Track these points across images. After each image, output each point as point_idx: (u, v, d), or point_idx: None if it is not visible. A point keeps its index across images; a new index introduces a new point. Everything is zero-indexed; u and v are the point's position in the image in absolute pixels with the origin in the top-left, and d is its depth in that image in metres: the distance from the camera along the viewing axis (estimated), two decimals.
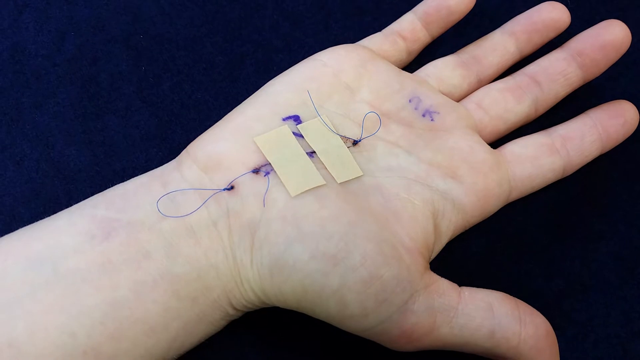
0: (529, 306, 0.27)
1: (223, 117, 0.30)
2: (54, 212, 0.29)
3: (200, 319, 0.26)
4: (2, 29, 0.36)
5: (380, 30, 0.34)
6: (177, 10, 0.37)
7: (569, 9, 0.33)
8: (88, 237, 0.25)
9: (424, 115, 0.30)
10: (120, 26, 0.36)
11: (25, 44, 0.36)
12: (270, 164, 0.27)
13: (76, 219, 0.26)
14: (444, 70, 0.32)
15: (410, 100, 0.30)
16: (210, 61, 0.36)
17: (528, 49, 0.33)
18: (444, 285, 0.27)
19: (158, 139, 0.34)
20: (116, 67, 0.35)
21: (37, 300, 0.24)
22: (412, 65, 0.34)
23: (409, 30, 0.33)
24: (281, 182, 0.27)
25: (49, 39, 0.36)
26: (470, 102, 0.32)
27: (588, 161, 0.31)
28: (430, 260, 0.28)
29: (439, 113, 0.30)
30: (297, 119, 0.29)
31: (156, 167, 0.30)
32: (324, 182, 0.27)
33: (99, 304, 0.24)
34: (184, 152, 0.28)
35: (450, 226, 0.29)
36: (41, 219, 0.28)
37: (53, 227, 0.26)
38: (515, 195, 0.30)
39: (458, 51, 0.34)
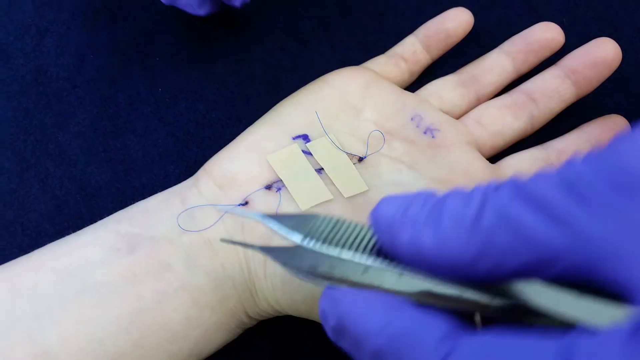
0: None
1: (236, 134, 0.31)
2: (78, 227, 0.31)
3: (218, 327, 0.28)
4: (25, 53, 0.38)
5: (383, 49, 0.36)
6: (190, 33, 0.38)
7: (564, 27, 0.34)
8: (113, 251, 0.27)
9: (425, 133, 0.32)
10: (137, 49, 0.38)
11: (47, 67, 0.38)
12: (281, 180, 0.29)
13: (101, 234, 0.28)
14: (444, 90, 0.34)
15: (412, 119, 0.32)
16: (222, 81, 0.37)
17: (524, 68, 0.34)
18: None
19: (175, 156, 0.35)
20: (134, 88, 0.37)
21: (67, 311, 0.26)
22: (414, 85, 0.36)
23: (410, 52, 0.35)
24: (292, 197, 0.28)
25: (70, 61, 0.38)
26: (469, 119, 0.33)
27: None
28: None
29: (439, 130, 0.32)
30: (306, 138, 0.30)
31: (174, 183, 0.31)
32: (332, 197, 0.28)
33: (125, 313, 0.26)
34: (200, 170, 0.30)
35: None
36: (65, 234, 0.30)
37: (80, 242, 0.28)
38: None
39: (457, 71, 0.35)
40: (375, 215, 0.20)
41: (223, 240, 0.24)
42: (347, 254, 0.21)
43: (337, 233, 0.21)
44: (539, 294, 0.18)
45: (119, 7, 0.39)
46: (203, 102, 0.37)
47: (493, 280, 0.18)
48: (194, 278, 0.27)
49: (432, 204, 0.19)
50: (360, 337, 0.19)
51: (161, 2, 0.35)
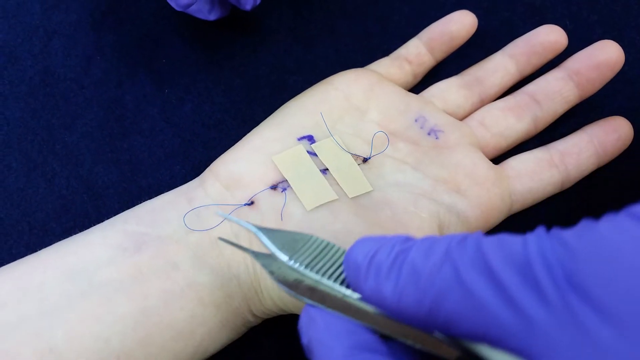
0: None
1: (241, 135, 0.32)
2: (84, 226, 0.31)
3: (223, 325, 0.28)
4: (33, 55, 0.38)
5: (386, 52, 0.36)
6: (196, 35, 0.39)
7: (567, 30, 0.34)
8: (120, 250, 0.27)
9: (429, 134, 0.32)
10: (143, 51, 0.38)
11: (54, 68, 0.38)
12: (287, 180, 0.29)
13: (108, 234, 0.28)
14: (448, 91, 0.34)
15: (416, 120, 0.32)
16: (228, 84, 0.38)
17: (528, 70, 0.34)
18: None
19: (181, 157, 0.36)
20: (140, 89, 0.37)
21: (74, 309, 0.26)
22: (418, 86, 0.36)
23: (414, 54, 0.35)
24: (297, 197, 0.29)
25: (77, 63, 0.38)
26: (473, 120, 0.33)
27: (585, 175, 0.33)
28: None
29: (443, 131, 0.32)
30: (311, 139, 0.31)
31: (180, 183, 0.32)
32: (337, 197, 0.29)
33: (131, 312, 0.26)
34: (207, 170, 0.30)
35: None
36: (72, 233, 0.30)
37: (87, 241, 0.28)
38: (517, 208, 0.32)
39: (461, 73, 0.35)
40: (347, 257, 0.21)
41: (220, 239, 0.24)
42: (327, 282, 0.21)
43: (322, 258, 0.22)
44: (498, 356, 0.18)
45: (125, 9, 0.40)
46: (209, 103, 0.37)
47: (450, 334, 0.18)
48: (200, 277, 0.27)
49: (396, 253, 0.19)
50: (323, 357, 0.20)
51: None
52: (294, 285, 0.22)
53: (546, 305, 0.16)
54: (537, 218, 0.34)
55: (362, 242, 0.21)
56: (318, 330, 0.21)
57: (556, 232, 0.17)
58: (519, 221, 0.33)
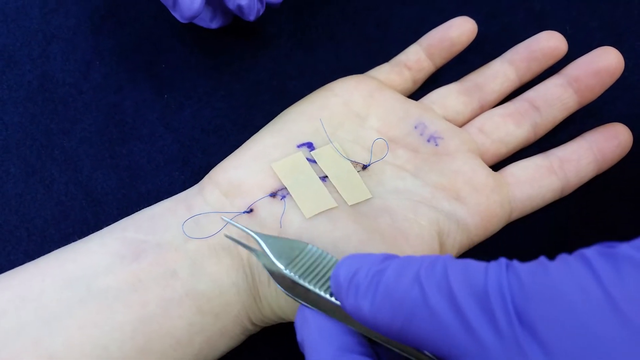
0: None
1: (241, 141, 0.32)
2: (83, 233, 0.31)
3: (222, 333, 0.28)
4: (32, 59, 0.38)
5: (387, 57, 0.36)
6: (196, 40, 0.39)
7: (567, 35, 0.34)
8: (119, 257, 0.27)
9: (428, 141, 0.32)
10: (143, 56, 0.38)
11: (53, 73, 0.38)
12: (286, 188, 0.29)
13: (107, 241, 0.28)
14: (447, 98, 0.34)
15: (415, 127, 0.32)
16: (228, 89, 0.37)
17: (527, 76, 0.34)
18: None
19: (180, 162, 0.36)
20: (140, 94, 0.37)
21: (73, 317, 0.26)
22: (418, 92, 0.36)
23: (414, 60, 0.35)
24: (296, 205, 0.28)
25: (76, 67, 0.38)
26: (472, 127, 0.33)
27: (585, 181, 0.33)
28: None
29: (443, 138, 0.32)
30: (310, 146, 0.30)
31: (179, 189, 0.31)
32: (336, 205, 0.29)
33: (130, 320, 0.26)
34: (206, 177, 0.30)
35: (455, 245, 0.30)
36: (71, 239, 0.30)
37: (86, 248, 0.28)
38: (516, 215, 0.32)
39: (461, 79, 0.35)
40: (332, 274, 0.23)
41: (226, 236, 0.26)
42: (318, 291, 0.23)
43: (316, 267, 0.24)
44: None
45: (125, 13, 0.40)
46: (208, 108, 0.37)
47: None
48: (198, 285, 0.27)
49: (373, 274, 0.21)
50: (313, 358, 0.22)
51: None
52: (291, 287, 0.24)
53: (498, 334, 0.18)
54: (536, 225, 0.34)
55: (346, 260, 0.23)
56: (310, 331, 0.23)
57: (514, 266, 0.19)
58: (519, 228, 0.33)
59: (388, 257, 0.22)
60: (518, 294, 0.18)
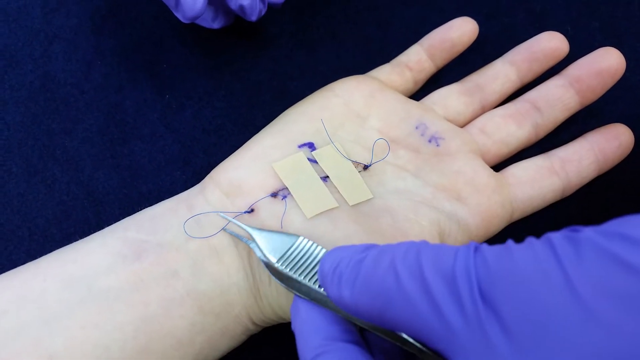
0: None
1: (242, 141, 0.32)
2: (85, 232, 0.31)
3: (223, 333, 0.28)
4: (34, 59, 0.38)
5: (388, 57, 0.36)
6: (197, 40, 0.39)
7: (568, 36, 0.34)
8: (120, 257, 0.27)
9: (430, 141, 0.32)
10: (144, 56, 0.38)
11: (55, 73, 0.38)
12: (287, 188, 0.29)
13: (109, 241, 0.28)
14: (448, 98, 0.34)
15: (417, 127, 0.32)
16: (229, 89, 0.38)
17: (528, 77, 0.34)
18: None
19: (181, 162, 0.36)
20: (141, 94, 0.37)
21: (74, 317, 0.26)
22: (419, 93, 0.36)
23: (415, 61, 0.35)
24: (297, 205, 0.28)
25: (77, 67, 0.38)
26: (473, 127, 0.33)
27: (586, 182, 0.33)
28: None
29: (444, 139, 0.32)
30: (311, 146, 0.30)
31: (180, 189, 0.31)
32: (337, 205, 0.29)
33: (131, 319, 0.26)
34: (207, 177, 0.30)
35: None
36: (72, 239, 0.30)
37: (87, 248, 0.28)
38: (517, 215, 0.32)
39: (462, 79, 0.35)
40: (319, 266, 0.24)
41: (225, 229, 0.27)
42: (308, 283, 0.25)
43: (306, 260, 0.25)
44: None
45: (126, 14, 0.40)
46: (209, 108, 0.37)
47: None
48: (199, 284, 0.27)
49: (353, 263, 0.22)
50: (301, 350, 0.23)
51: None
52: (286, 279, 0.25)
53: (464, 316, 0.18)
54: (538, 226, 0.34)
55: (332, 252, 0.23)
56: (301, 321, 0.24)
57: (482, 249, 0.19)
58: (521, 228, 0.33)
59: (369, 247, 0.22)
60: (484, 276, 0.18)
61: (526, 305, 0.17)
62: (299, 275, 0.25)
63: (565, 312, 0.17)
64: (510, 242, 0.19)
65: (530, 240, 0.19)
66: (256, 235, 0.26)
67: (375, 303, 0.21)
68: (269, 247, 0.26)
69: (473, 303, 0.18)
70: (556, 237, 0.18)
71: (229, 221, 0.28)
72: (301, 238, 0.26)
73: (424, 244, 0.21)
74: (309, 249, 0.26)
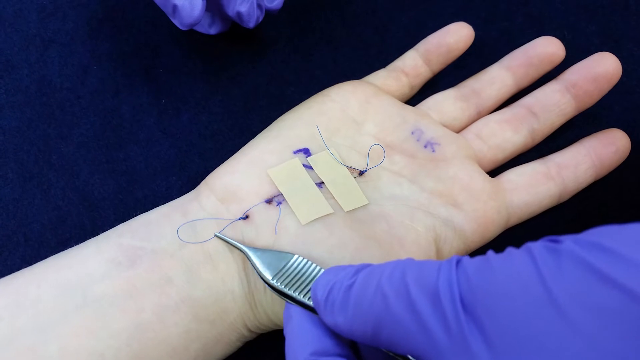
0: None
1: (238, 146, 0.32)
2: (80, 238, 0.31)
3: (218, 340, 0.28)
4: (30, 64, 0.38)
5: (385, 62, 0.36)
6: (194, 46, 0.39)
7: (565, 40, 0.34)
8: (114, 264, 0.27)
9: (425, 147, 0.32)
10: (140, 60, 0.38)
11: (51, 78, 0.38)
12: (282, 194, 0.29)
13: (103, 247, 0.28)
14: (444, 103, 0.34)
15: (412, 133, 0.32)
16: (225, 94, 0.37)
17: (525, 82, 0.34)
18: None
19: (177, 167, 0.36)
20: (137, 99, 0.37)
21: (68, 324, 0.26)
22: (415, 98, 0.36)
23: (411, 66, 0.35)
24: (292, 211, 0.28)
25: (73, 72, 0.38)
26: (469, 133, 0.33)
27: (583, 187, 0.33)
28: None
29: (439, 144, 0.32)
30: (307, 152, 0.30)
31: (176, 194, 0.31)
32: (332, 211, 0.29)
33: (125, 327, 0.26)
34: (202, 183, 0.30)
35: (452, 251, 0.30)
36: (68, 245, 0.30)
37: (82, 255, 0.28)
38: (514, 221, 0.32)
39: (458, 85, 0.35)
40: (312, 292, 0.24)
41: (216, 235, 0.28)
42: (303, 299, 0.25)
43: (300, 277, 0.26)
44: None
45: (122, 18, 0.40)
46: (206, 113, 0.37)
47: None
48: (194, 291, 0.27)
49: (344, 289, 0.22)
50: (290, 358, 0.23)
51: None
52: (280, 293, 0.26)
53: (448, 331, 0.18)
54: (534, 231, 0.34)
55: (323, 277, 0.24)
56: (291, 331, 0.24)
57: (464, 262, 0.20)
58: (517, 234, 0.33)
59: (359, 270, 0.23)
60: (465, 290, 0.19)
61: (507, 318, 0.17)
62: (294, 292, 0.25)
63: (545, 324, 0.17)
64: (490, 253, 0.19)
65: (510, 251, 0.19)
66: (251, 254, 0.27)
67: (368, 326, 0.21)
68: (263, 265, 0.26)
69: (456, 317, 0.18)
70: (536, 247, 0.18)
71: (224, 227, 0.28)
72: (296, 256, 0.26)
73: (409, 262, 0.21)
74: (303, 266, 0.26)
